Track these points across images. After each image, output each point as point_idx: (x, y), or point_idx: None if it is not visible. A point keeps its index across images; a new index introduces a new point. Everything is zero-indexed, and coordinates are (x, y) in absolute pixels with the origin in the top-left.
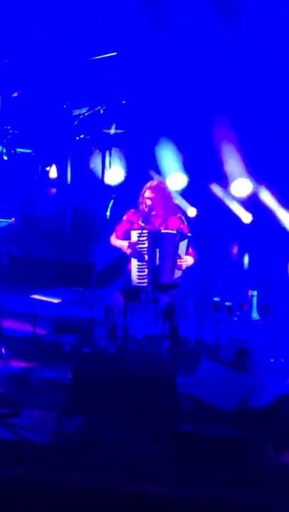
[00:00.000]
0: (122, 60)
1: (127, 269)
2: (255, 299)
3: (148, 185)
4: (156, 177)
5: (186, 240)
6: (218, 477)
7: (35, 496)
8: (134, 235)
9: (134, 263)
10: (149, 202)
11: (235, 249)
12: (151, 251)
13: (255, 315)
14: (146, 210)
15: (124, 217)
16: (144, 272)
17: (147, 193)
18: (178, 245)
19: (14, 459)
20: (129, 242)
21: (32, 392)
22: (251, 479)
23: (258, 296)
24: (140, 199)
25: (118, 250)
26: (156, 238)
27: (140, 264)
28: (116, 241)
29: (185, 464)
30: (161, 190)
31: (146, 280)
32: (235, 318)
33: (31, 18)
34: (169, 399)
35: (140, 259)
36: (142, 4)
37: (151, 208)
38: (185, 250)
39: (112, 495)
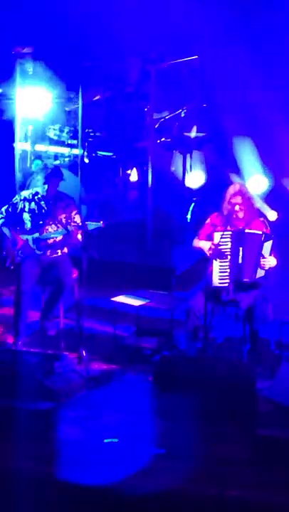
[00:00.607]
0: (203, 63)
1: (208, 271)
2: None
3: (232, 190)
4: (237, 180)
5: (271, 241)
6: None
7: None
8: (217, 236)
9: (216, 264)
10: (237, 207)
11: None
12: (234, 250)
13: None
14: (229, 213)
15: (208, 221)
16: (226, 272)
17: (235, 199)
18: (262, 245)
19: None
20: (211, 243)
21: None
22: None
23: None
24: (225, 204)
25: (199, 254)
26: (239, 237)
27: (222, 264)
28: (198, 242)
29: (265, 469)
30: (244, 194)
31: (227, 280)
32: None
33: (114, 21)
34: (248, 403)
35: (222, 259)
36: (224, 6)
37: (234, 212)
38: (269, 251)
39: (191, 498)
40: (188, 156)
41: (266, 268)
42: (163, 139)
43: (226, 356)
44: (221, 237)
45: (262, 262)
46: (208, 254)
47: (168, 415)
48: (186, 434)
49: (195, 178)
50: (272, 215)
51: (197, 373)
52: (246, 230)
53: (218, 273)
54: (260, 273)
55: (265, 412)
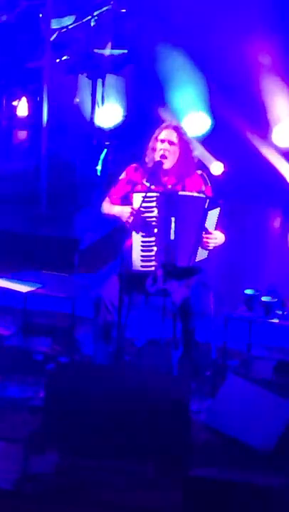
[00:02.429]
0: None
1: (125, 247)
2: None
3: (160, 131)
4: (169, 118)
5: (218, 209)
6: None
7: None
8: (138, 199)
9: (137, 239)
10: (162, 152)
11: (277, 223)
12: (164, 220)
13: None
14: (156, 164)
15: (123, 176)
16: (152, 251)
17: (162, 138)
18: (206, 215)
19: None
20: (130, 209)
21: None
22: None
23: None
24: (149, 151)
25: (113, 222)
26: (171, 202)
27: (146, 239)
28: (111, 208)
29: None
30: (180, 137)
31: (153, 263)
32: (276, 320)
33: None
34: (179, 431)
35: (146, 232)
36: None
37: (162, 162)
38: (215, 223)
39: None
40: (99, 82)
41: (210, 247)
42: (65, 58)
43: (149, 365)
44: (143, 201)
45: (205, 239)
46: (126, 224)
47: (67, 445)
48: (93, 472)
49: (108, 113)
50: (216, 168)
51: (108, 388)
52: (181, 192)
53: (140, 252)
54: (202, 254)
55: (201, 444)
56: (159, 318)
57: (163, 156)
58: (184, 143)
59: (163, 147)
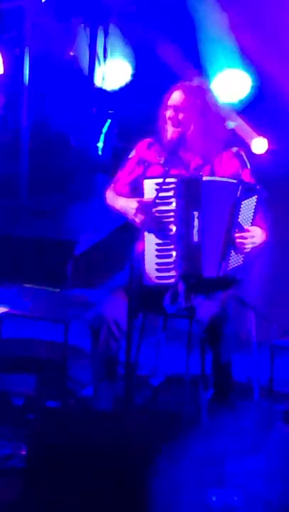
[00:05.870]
0: None
1: (135, 253)
2: None
3: (178, 94)
4: (194, 78)
5: (255, 198)
6: None
7: None
8: (150, 187)
9: (151, 242)
10: (170, 124)
11: None
12: (184, 216)
13: None
14: (175, 140)
15: (132, 154)
16: (170, 256)
17: (174, 102)
18: (239, 206)
19: None
20: (139, 201)
21: None
22: None
23: None
24: (160, 118)
25: (119, 218)
26: (193, 191)
27: (162, 242)
28: (116, 199)
29: None
30: (203, 100)
31: (173, 273)
32: None
33: None
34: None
35: (162, 233)
36: None
37: (182, 135)
38: (252, 217)
39: None
40: (100, 30)
41: (247, 249)
42: None
43: (168, 412)
44: (158, 190)
45: (238, 240)
46: (134, 222)
47: None
48: None
49: (113, 72)
50: (258, 145)
51: (112, 444)
52: (205, 178)
53: (155, 258)
54: (236, 260)
55: None
56: (183, 348)
57: (179, 135)
58: (202, 107)
59: (168, 115)
